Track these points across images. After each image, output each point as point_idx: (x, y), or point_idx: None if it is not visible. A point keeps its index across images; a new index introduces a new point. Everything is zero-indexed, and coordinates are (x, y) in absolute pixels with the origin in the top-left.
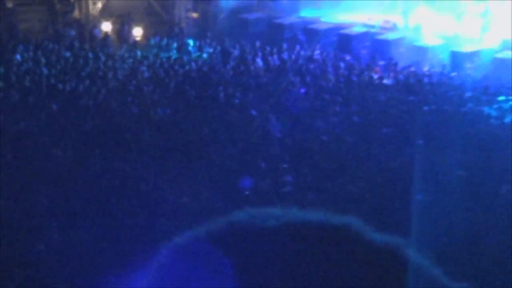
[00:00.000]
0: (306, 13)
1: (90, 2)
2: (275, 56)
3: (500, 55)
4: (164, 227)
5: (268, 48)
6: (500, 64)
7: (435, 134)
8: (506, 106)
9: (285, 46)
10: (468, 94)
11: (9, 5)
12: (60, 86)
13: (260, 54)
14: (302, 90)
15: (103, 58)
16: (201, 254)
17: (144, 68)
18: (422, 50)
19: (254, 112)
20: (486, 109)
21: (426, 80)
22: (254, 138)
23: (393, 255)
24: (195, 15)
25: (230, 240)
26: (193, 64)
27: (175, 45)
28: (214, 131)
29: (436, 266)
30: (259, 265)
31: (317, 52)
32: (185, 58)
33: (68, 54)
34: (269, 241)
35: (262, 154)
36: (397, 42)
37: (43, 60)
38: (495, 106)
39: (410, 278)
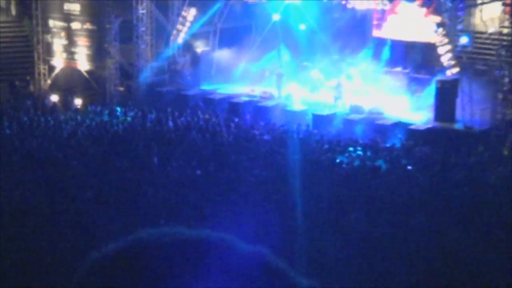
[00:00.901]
0: (205, 87)
1: (42, 79)
2: (182, 119)
3: (349, 117)
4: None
5: (176, 113)
6: (349, 124)
7: (302, 177)
8: (354, 155)
9: (189, 111)
10: (326, 147)
11: None
12: (18, 143)
13: (170, 117)
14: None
15: (52, 122)
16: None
17: (83, 128)
18: (291, 114)
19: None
20: (339, 157)
21: (295, 136)
22: (165, 180)
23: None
24: (121, 88)
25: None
26: (120, 125)
27: (106, 111)
28: (136, 175)
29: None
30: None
31: (211, 116)
32: (114, 121)
33: (25, 118)
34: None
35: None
36: (274, 108)
37: (6, 123)
38: (346, 155)
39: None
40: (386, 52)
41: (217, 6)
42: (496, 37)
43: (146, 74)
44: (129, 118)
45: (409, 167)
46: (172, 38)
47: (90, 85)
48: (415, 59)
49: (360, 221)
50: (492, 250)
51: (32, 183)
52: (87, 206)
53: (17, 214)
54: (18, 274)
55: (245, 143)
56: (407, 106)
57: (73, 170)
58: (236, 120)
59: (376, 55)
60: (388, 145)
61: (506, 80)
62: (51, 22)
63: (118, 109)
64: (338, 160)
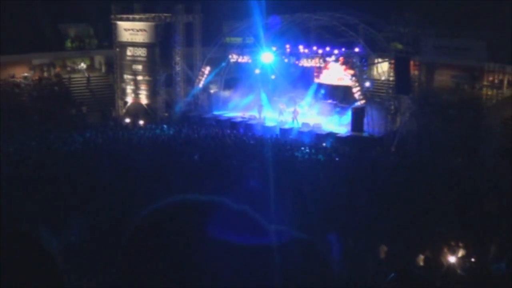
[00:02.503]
0: (216, 112)
1: (120, 109)
2: (202, 132)
3: (301, 129)
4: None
5: (198, 128)
6: (301, 133)
7: (274, 165)
8: (304, 151)
9: (205, 127)
10: (288, 147)
11: (84, 110)
12: (106, 147)
13: (195, 131)
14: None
15: (126, 134)
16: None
17: (144, 138)
18: (267, 128)
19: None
20: (296, 154)
21: (269, 141)
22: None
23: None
24: (166, 114)
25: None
26: (165, 136)
27: (158, 128)
28: (172, 163)
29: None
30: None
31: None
32: (162, 133)
33: (110, 132)
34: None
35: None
36: (256, 124)
37: (99, 135)
38: (300, 152)
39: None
40: (322, 91)
41: (222, 65)
42: (386, 82)
43: (180, 105)
44: (171, 132)
45: (337, 159)
46: (195, 84)
47: (148, 112)
48: (339, 95)
49: (309, 191)
50: (386, 210)
51: (113, 171)
52: (143, 181)
53: (104, 188)
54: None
55: (239, 146)
56: (335, 123)
57: (139, 161)
58: (234, 132)
59: (316, 93)
60: (324, 146)
61: (392, 107)
62: (125, 76)
63: (165, 126)
64: (296, 156)
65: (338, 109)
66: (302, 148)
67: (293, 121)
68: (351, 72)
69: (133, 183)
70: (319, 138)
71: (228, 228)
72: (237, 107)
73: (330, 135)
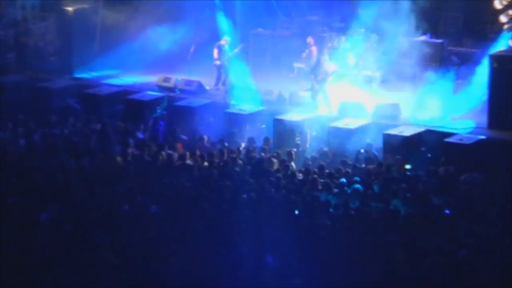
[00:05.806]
0: (83, 74)
1: None
2: (41, 131)
3: (338, 124)
4: None
5: (30, 123)
6: (339, 134)
7: (256, 231)
8: (349, 190)
9: (54, 118)
10: (299, 177)
11: None
12: None
13: (21, 130)
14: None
15: None
16: None
17: None
18: (237, 119)
19: None
20: (323, 195)
21: (243, 157)
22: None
23: None
24: None
25: None
26: None
27: None
28: None
29: None
30: None
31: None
32: None
33: None
34: None
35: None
36: (204, 108)
37: None
38: (336, 190)
39: None
40: (399, 9)
41: None
42: None
43: None
44: None
45: (447, 211)
46: None
47: None
48: (452, 20)
49: None
50: None
51: None
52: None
53: None
54: None
55: (155, 173)
56: (439, 102)
57: None
58: (139, 131)
59: (383, 14)
60: (408, 172)
61: None
62: None
63: None
64: (321, 200)
65: (449, 60)
66: (343, 180)
67: (313, 98)
68: None
69: None
70: (392, 147)
71: None
72: (149, 59)
73: (427, 138)
